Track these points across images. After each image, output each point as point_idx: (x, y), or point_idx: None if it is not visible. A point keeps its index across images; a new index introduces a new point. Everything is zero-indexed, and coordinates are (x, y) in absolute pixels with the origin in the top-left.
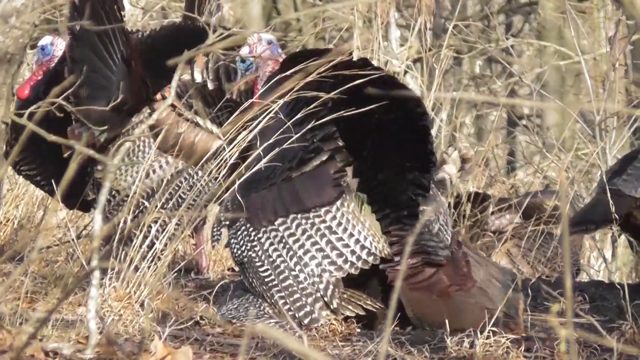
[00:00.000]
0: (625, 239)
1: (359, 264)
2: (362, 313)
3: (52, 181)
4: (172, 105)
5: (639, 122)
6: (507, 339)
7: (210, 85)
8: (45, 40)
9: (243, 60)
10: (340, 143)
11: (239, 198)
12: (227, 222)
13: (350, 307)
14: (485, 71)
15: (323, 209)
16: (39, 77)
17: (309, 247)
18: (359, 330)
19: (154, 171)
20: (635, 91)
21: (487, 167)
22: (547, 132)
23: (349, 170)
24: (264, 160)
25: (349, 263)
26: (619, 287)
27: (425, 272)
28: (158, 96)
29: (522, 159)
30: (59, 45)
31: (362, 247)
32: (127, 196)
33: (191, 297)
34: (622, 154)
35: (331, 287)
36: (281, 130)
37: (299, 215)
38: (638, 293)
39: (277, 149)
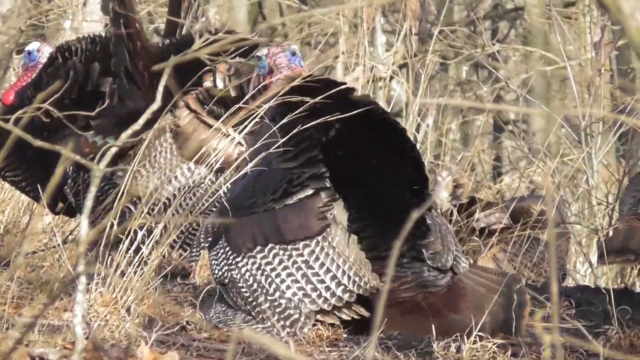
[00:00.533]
0: None
1: (333, 301)
2: (347, 318)
3: (38, 187)
4: (194, 112)
5: (624, 127)
6: (494, 344)
7: (232, 92)
8: (33, 45)
9: (259, 59)
10: (328, 184)
11: (220, 222)
12: (207, 245)
13: (335, 313)
14: (472, 77)
15: (302, 243)
16: (24, 83)
17: (284, 277)
18: (345, 335)
19: (175, 177)
20: (620, 96)
21: (473, 172)
22: (533, 137)
23: (338, 204)
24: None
25: (322, 298)
26: (605, 292)
27: (417, 298)
28: (181, 102)
29: (508, 164)
30: (45, 52)
31: (338, 284)
32: (153, 203)
33: (177, 302)
34: (607, 160)
35: (303, 318)
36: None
37: (277, 247)
38: (624, 298)
39: (260, 177)
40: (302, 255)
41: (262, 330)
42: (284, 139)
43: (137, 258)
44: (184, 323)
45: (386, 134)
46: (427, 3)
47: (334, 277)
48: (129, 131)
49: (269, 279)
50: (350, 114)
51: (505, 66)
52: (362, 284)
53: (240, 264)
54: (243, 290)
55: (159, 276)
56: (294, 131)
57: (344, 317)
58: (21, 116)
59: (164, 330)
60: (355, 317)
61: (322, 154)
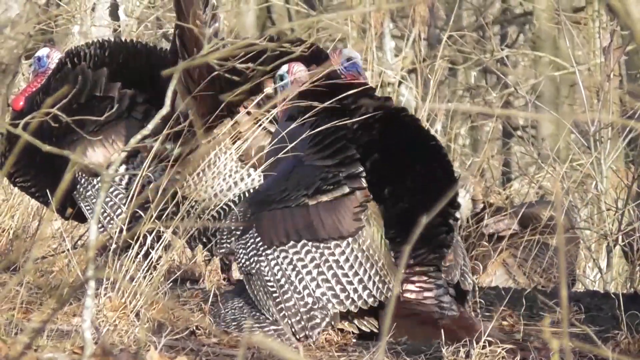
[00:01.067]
0: (620, 249)
1: (359, 304)
2: (355, 332)
3: (47, 192)
4: (254, 118)
5: (633, 132)
6: (503, 349)
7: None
8: (43, 51)
9: (282, 78)
10: (364, 184)
11: (251, 212)
12: (238, 232)
13: (346, 323)
14: (480, 82)
15: (334, 242)
16: (34, 89)
17: (315, 275)
18: (354, 340)
19: (235, 183)
20: (629, 102)
21: (483, 177)
22: (542, 142)
23: (372, 206)
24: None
25: (350, 300)
26: (614, 297)
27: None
28: (241, 107)
29: (517, 169)
30: (54, 58)
31: (365, 288)
32: (209, 208)
33: (187, 307)
34: (616, 165)
35: (328, 318)
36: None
37: (310, 244)
38: (633, 303)
39: (293, 172)
40: (333, 254)
41: (272, 334)
42: (317, 136)
43: (146, 263)
44: (194, 328)
45: (419, 142)
46: (436, 8)
47: (361, 281)
48: (138, 136)
49: (300, 275)
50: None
51: (514, 71)
52: (384, 291)
53: (270, 256)
54: (270, 283)
55: (168, 281)
56: (329, 130)
57: (364, 328)
58: (30, 121)
59: (173, 335)
60: (373, 329)
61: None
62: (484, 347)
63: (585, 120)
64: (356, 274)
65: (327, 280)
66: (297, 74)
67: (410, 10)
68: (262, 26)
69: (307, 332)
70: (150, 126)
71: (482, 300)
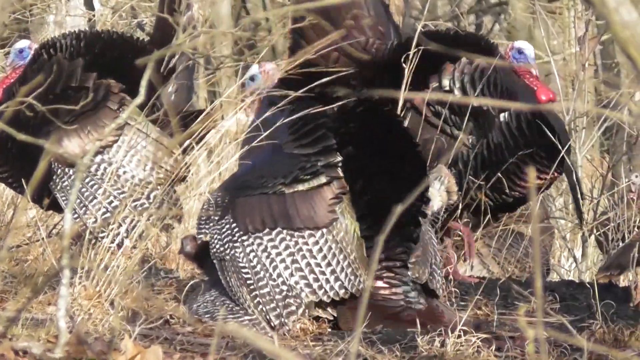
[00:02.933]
0: (595, 239)
1: (331, 294)
2: (330, 318)
3: (23, 181)
4: (418, 111)
5: (608, 122)
6: (478, 339)
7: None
8: (23, 43)
9: (252, 79)
10: (341, 174)
11: (227, 198)
12: (216, 217)
13: (320, 310)
14: None
15: (308, 232)
16: (12, 80)
17: (288, 263)
18: (330, 329)
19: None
20: (604, 91)
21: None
22: None
23: (347, 198)
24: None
25: (322, 290)
26: (589, 286)
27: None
28: (407, 102)
29: None
30: (33, 49)
31: (337, 279)
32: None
33: (161, 296)
34: (591, 154)
35: (303, 307)
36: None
37: (285, 232)
38: (608, 292)
39: (270, 159)
40: (307, 244)
41: (247, 324)
42: (296, 123)
43: (120, 251)
44: (168, 317)
45: (394, 136)
46: None
47: (333, 272)
48: (113, 125)
49: (274, 263)
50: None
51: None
52: (356, 283)
53: (245, 243)
54: (244, 270)
55: (143, 270)
56: (308, 118)
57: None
58: (4, 110)
59: (148, 324)
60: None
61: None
62: (458, 336)
63: (560, 109)
64: (329, 264)
65: (300, 269)
66: (270, 72)
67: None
68: (237, 16)
69: (282, 320)
70: (124, 115)
71: (456, 290)
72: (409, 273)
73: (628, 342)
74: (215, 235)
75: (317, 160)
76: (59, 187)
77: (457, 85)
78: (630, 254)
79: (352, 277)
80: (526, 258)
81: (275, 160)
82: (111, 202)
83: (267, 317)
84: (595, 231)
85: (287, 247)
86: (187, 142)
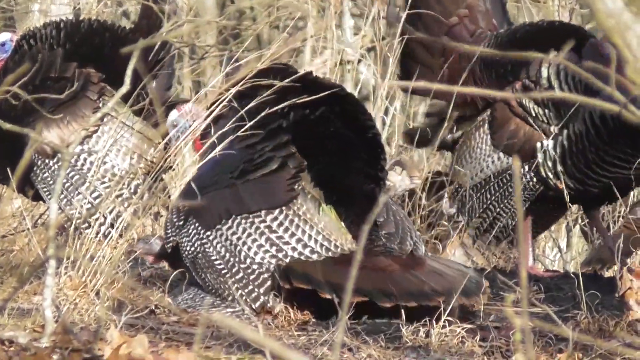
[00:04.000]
0: (579, 229)
1: (302, 259)
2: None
3: (8, 170)
4: (506, 103)
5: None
6: (463, 329)
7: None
8: (5, 36)
9: (175, 124)
10: (293, 150)
11: (187, 201)
12: (180, 223)
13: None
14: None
15: (264, 212)
16: None
17: (250, 244)
18: (314, 319)
19: (487, 166)
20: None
21: (442, 156)
22: None
23: (306, 175)
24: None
25: (289, 257)
26: (574, 277)
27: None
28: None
29: None
30: (15, 41)
31: (305, 246)
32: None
33: (147, 286)
34: None
35: (276, 279)
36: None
37: (239, 217)
38: (593, 283)
39: (222, 158)
40: (264, 221)
41: (231, 314)
42: (241, 119)
43: (106, 241)
44: (153, 307)
45: (347, 114)
46: None
47: (299, 240)
48: (99, 114)
49: (237, 248)
50: (315, 96)
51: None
52: (332, 247)
53: (211, 237)
54: (217, 262)
55: (128, 260)
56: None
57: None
58: None
59: (133, 314)
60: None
61: (285, 128)
62: (443, 326)
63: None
64: (293, 234)
65: (261, 246)
66: (193, 111)
67: None
68: (221, 5)
69: (263, 299)
70: (110, 104)
71: None
72: (383, 243)
73: (613, 332)
74: (184, 239)
75: (264, 147)
76: (39, 179)
77: (549, 77)
78: (613, 248)
79: (326, 242)
80: (510, 248)
81: (225, 158)
82: (92, 192)
83: (248, 302)
84: (580, 221)
85: (244, 230)
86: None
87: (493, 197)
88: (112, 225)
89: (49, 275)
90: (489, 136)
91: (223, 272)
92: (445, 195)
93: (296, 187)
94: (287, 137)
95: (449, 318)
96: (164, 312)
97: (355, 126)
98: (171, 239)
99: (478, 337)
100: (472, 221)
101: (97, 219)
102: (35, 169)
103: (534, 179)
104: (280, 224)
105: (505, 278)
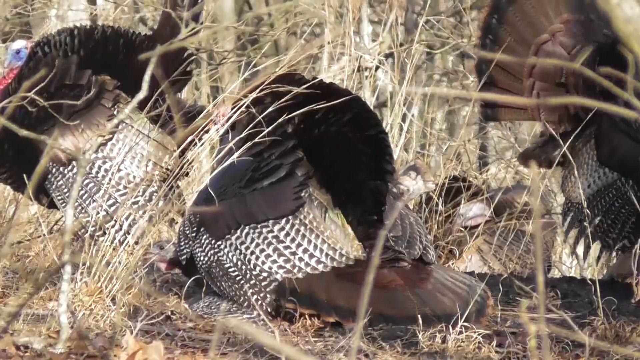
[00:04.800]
0: None
1: (308, 270)
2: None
3: (24, 177)
4: (610, 117)
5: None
6: (479, 334)
7: None
8: (20, 44)
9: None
10: (300, 155)
11: (197, 213)
12: (193, 235)
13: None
14: (458, 67)
15: (271, 221)
16: (9, 80)
17: (258, 253)
18: (330, 325)
19: (594, 181)
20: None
21: (459, 162)
22: (519, 127)
23: (314, 181)
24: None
25: (296, 268)
26: (590, 283)
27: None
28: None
29: (494, 154)
30: (29, 48)
31: (311, 256)
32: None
33: (162, 292)
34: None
35: (284, 288)
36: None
37: (248, 227)
38: (609, 289)
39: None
40: (272, 232)
41: (247, 320)
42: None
43: (122, 247)
44: (169, 313)
45: (356, 117)
46: None
47: (305, 250)
48: (115, 120)
49: (247, 257)
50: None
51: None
52: (336, 256)
53: (222, 246)
54: (231, 270)
55: (144, 265)
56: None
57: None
58: (6, 105)
59: (149, 320)
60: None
61: (291, 133)
62: (460, 332)
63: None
64: (299, 245)
65: (269, 255)
66: (225, 113)
67: None
68: (239, 10)
69: (276, 304)
70: (127, 110)
71: None
72: (386, 233)
73: (629, 338)
74: (197, 249)
75: (271, 154)
76: (54, 187)
77: None
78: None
79: (331, 252)
80: (527, 254)
81: (232, 168)
82: (107, 200)
83: (264, 307)
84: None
85: (252, 240)
86: (190, 138)
87: (601, 212)
88: (127, 232)
89: (65, 281)
90: (595, 152)
91: (238, 279)
92: (462, 202)
93: (303, 194)
94: (293, 142)
95: (466, 324)
96: (180, 318)
97: (360, 125)
98: (185, 250)
99: (494, 343)
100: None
101: (112, 226)
102: (49, 176)
103: (638, 193)
104: (287, 234)
105: (522, 284)
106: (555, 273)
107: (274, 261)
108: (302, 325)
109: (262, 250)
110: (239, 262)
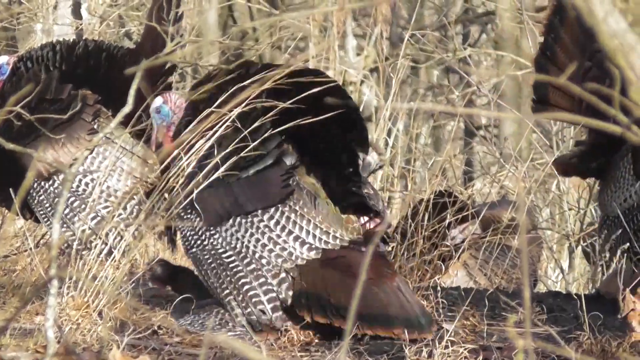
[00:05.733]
0: (582, 250)
1: (304, 256)
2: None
3: (11, 191)
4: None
5: None
6: (465, 349)
7: None
8: (2, 59)
9: (158, 111)
10: (286, 145)
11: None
12: (192, 233)
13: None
14: (443, 81)
15: (260, 211)
16: None
17: (253, 243)
18: (317, 340)
19: (630, 195)
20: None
21: (445, 177)
22: (504, 142)
23: (301, 167)
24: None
25: (294, 256)
26: (576, 297)
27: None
28: None
29: (480, 169)
30: (11, 63)
31: (303, 243)
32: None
33: (149, 306)
34: None
35: (282, 281)
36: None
37: (238, 218)
38: (595, 304)
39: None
40: (262, 221)
41: (234, 335)
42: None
43: (109, 262)
44: (156, 327)
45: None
46: (398, 7)
47: (297, 238)
48: (101, 134)
49: (242, 250)
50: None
51: (476, 70)
52: (330, 239)
53: (215, 236)
54: (225, 255)
55: (131, 280)
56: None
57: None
58: None
59: (136, 334)
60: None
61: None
62: (446, 347)
63: (547, 119)
64: (290, 232)
65: (265, 245)
66: (177, 102)
67: (372, 9)
68: (224, 25)
69: (280, 296)
70: (112, 124)
71: (444, 301)
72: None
73: (615, 353)
74: (189, 240)
75: (254, 141)
76: (36, 201)
77: None
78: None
79: (324, 236)
80: (513, 269)
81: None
82: (88, 214)
83: (261, 306)
84: (582, 242)
85: (246, 230)
86: (175, 152)
87: (636, 227)
88: (113, 247)
89: (51, 296)
90: (631, 165)
91: (231, 265)
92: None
93: (291, 182)
94: (274, 130)
95: (452, 338)
96: (167, 333)
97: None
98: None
99: (481, 358)
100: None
101: (93, 241)
102: (31, 191)
103: None
104: (277, 223)
105: (508, 299)
106: (541, 287)
107: (271, 250)
108: (288, 340)
109: (258, 240)
110: (234, 255)
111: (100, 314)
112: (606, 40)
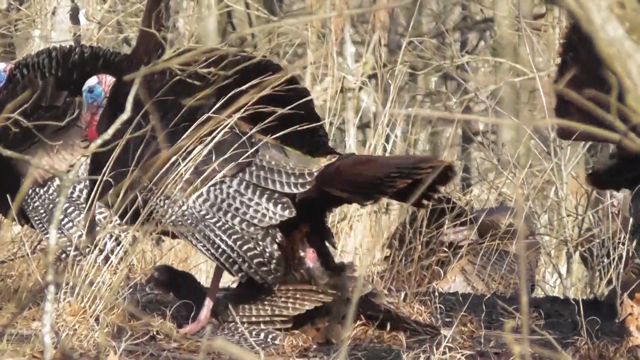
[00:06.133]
0: (579, 256)
1: (285, 214)
2: (318, 304)
3: (8, 197)
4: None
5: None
6: (463, 355)
7: None
8: None
9: (91, 91)
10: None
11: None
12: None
13: (306, 303)
14: (441, 87)
15: (228, 178)
16: None
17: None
18: (315, 345)
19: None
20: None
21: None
22: (502, 148)
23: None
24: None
25: (286, 207)
26: (574, 303)
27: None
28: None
29: (477, 175)
30: (8, 71)
31: (276, 203)
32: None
33: (147, 311)
34: (576, 171)
35: (268, 237)
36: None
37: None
38: (593, 309)
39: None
40: (231, 186)
41: (232, 340)
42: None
43: (106, 267)
44: (154, 333)
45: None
46: (396, 14)
47: (270, 197)
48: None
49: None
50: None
51: (474, 77)
52: (307, 177)
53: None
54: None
55: (128, 285)
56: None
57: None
58: None
59: (133, 340)
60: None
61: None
62: (444, 352)
63: (545, 126)
64: (264, 190)
65: (237, 209)
66: (111, 85)
67: (371, 16)
68: (223, 31)
69: (268, 250)
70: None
71: (442, 306)
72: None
73: (613, 358)
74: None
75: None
76: (30, 208)
77: None
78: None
79: (301, 179)
80: (510, 274)
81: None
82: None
83: (252, 264)
84: (580, 247)
85: (228, 194)
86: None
87: None
88: (108, 252)
89: (48, 301)
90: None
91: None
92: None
93: (253, 140)
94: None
95: (450, 344)
96: (164, 339)
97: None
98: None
99: None
100: None
101: (88, 247)
102: (26, 198)
103: None
104: (248, 186)
105: (505, 304)
106: (538, 292)
107: (245, 213)
108: (287, 345)
109: (230, 205)
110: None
111: (97, 319)
112: (604, 47)
